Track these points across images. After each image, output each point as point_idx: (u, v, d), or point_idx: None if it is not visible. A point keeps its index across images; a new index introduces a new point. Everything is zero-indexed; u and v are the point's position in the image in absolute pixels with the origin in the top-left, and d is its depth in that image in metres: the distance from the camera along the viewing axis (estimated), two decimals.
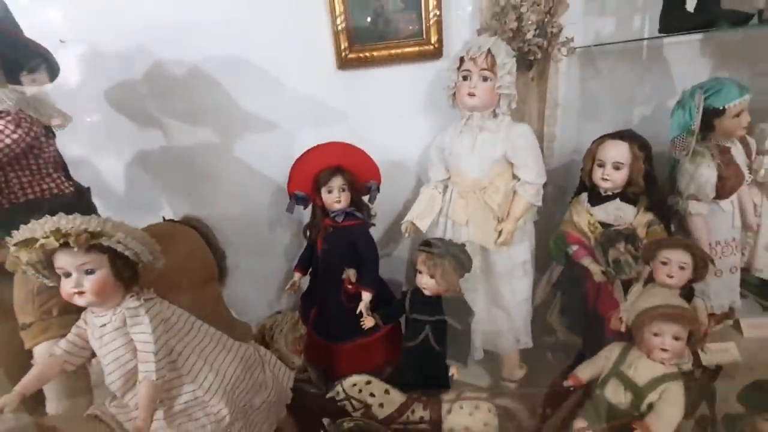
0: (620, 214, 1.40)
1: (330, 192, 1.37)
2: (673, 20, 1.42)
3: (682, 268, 1.09)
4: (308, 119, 1.56)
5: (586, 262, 1.44)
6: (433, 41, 1.47)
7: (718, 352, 1.26)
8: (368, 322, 1.30)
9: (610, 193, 1.41)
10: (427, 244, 1.22)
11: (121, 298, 0.90)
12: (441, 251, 1.18)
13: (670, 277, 1.10)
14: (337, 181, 1.36)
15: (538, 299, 1.60)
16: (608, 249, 1.39)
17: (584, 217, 1.44)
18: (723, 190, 1.47)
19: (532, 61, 1.46)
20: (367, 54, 1.47)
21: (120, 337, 0.89)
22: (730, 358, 1.24)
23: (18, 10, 1.21)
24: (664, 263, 1.12)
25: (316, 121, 1.56)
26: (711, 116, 1.40)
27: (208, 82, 1.48)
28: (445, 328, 1.21)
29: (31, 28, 1.31)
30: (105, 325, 0.89)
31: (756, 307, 1.71)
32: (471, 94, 1.32)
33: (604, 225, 1.41)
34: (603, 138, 1.40)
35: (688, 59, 1.64)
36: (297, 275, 1.50)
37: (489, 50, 1.28)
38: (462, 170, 1.39)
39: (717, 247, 1.54)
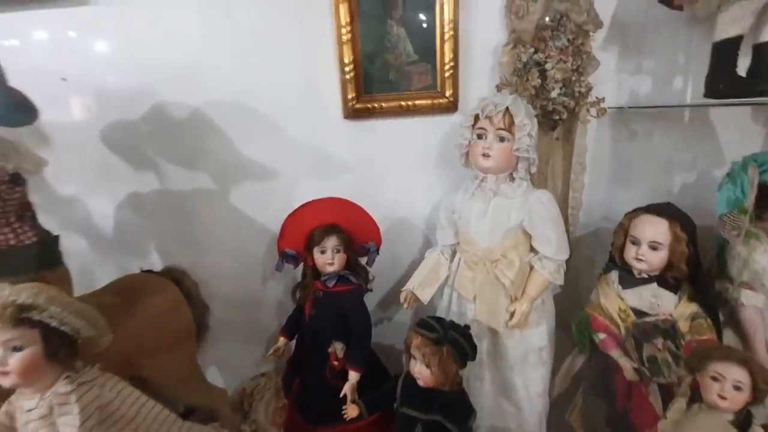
0: (657, 302, 1.19)
1: (323, 252, 1.24)
2: (721, 85, 1.26)
3: (737, 388, 0.87)
4: (310, 170, 1.46)
5: (616, 354, 1.22)
6: (447, 94, 1.36)
7: None
8: (351, 411, 1.11)
9: (645, 275, 1.21)
10: (424, 325, 1.05)
11: (53, 380, 0.77)
12: (439, 336, 1.01)
13: (723, 398, 0.88)
14: (331, 241, 1.23)
15: (556, 392, 1.38)
16: (643, 343, 1.18)
17: (614, 300, 1.24)
18: None
19: (557, 121, 1.32)
20: (376, 105, 1.37)
21: (45, 427, 0.76)
22: None
23: (20, 47, 1.19)
24: (715, 379, 0.90)
25: (319, 172, 1.46)
26: (765, 192, 1.20)
27: (208, 127, 1.42)
28: (440, 429, 1.01)
29: (35, 66, 1.30)
30: (31, 410, 0.77)
31: None
32: (485, 155, 1.18)
33: (638, 313, 1.20)
34: (637, 212, 1.22)
35: (738, 125, 1.46)
36: (282, 340, 1.34)
37: (507, 109, 1.15)
38: (471, 237, 1.24)
39: None
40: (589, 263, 1.52)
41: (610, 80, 1.41)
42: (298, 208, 1.26)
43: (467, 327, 1.09)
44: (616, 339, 1.22)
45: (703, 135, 1.48)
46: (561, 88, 1.27)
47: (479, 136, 1.20)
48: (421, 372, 1.03)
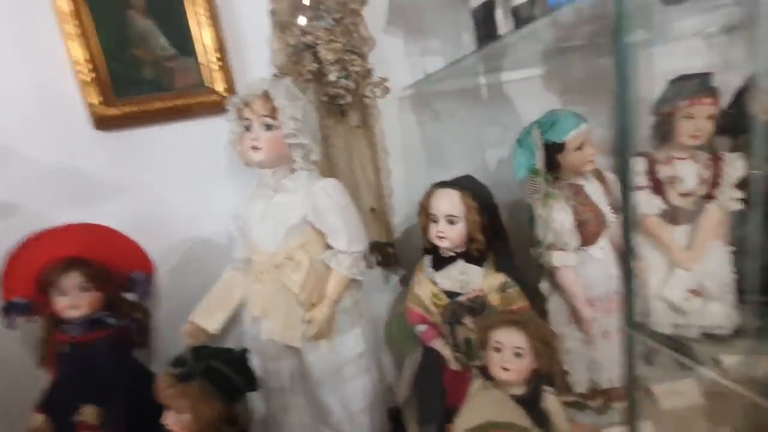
0: (466, 278, 1.10)
1: (64, 295, 0.97)
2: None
3: (518, 354, 0.78)
4: (64, 197, 1.18)
5: (438, 345, 1.11)
6: (220, 90, 1.20)
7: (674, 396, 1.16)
8: None
9: (452, 253, 1.13)
10: (174, 360, 0.83)
11: None
12: (185, 371, 0.79)
13: (505, 369, 0.77)
14: (72, 279, 0.97)
15: (403, 397, 1.22)
16: (456, 326, 1.07)
17: (426, 286, 1.13)
18: (587, 235, 1.24)
19: (343, 106, 1.22)
20: (135, 109, 1.16)
21: None
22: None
23: None
24: (497, 350, 0.80)
25: (77, 199, 1.18)
26: (553, 152, 1.20)
27: None
28: None
29: None
30: None
31: (671, 368, 1.42)
32: (255, 148, 1.03)
33: (452, 294, 1.10)
34: (432, 188, 1.14)
35: (534, 96, 1.50)
36: (38, 417, 1.02)
37: (266, 93, 1.01)
38: (256, 244, 1.06)
39: (598, 302, 1.27)
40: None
41: (402, 63, 1.37)
42: (19, 245, 0.98)
43: (243, 351, 0.89)
44: (437, 328, 1.11)
45: (506, 110, 1.50)
46: (339, 71, 1.18)
47: (247, 128, 1.05)
48: (176, 424, 0.80)
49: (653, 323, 1.36)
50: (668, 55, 1.48)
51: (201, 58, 1.17)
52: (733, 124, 1.47)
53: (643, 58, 1.59)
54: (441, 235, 1.09)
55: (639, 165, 1.34)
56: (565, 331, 1.29)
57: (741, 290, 1.42)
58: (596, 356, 1.21)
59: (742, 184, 1.32)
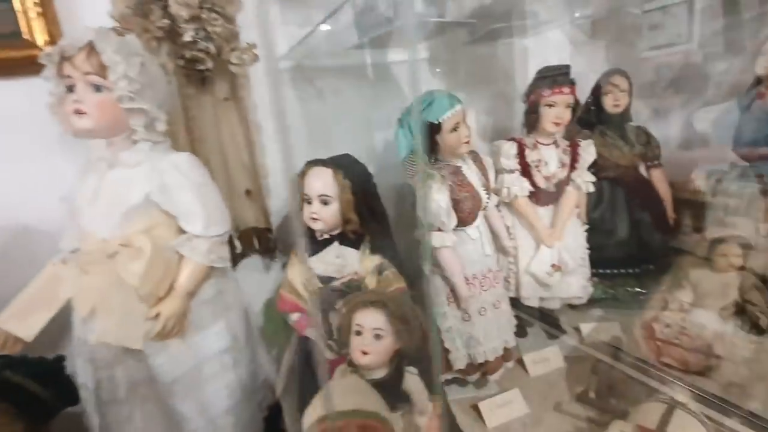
0: (342, 262, 1.05)
1: None
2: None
3: (378, 336, 0.74)
4: None
5: (312, 334, 1.04)
6: (40, 43, 0.98)
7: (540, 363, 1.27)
8: None
9: (327, 236, 1.06)
10: None
11: None
12: None
13: (364, 353, 0.73)
14: None
15: (281, 389, 1.14)
16: (329, 312, 1.02)
17: (299, 272, 1.06)
18: (464, 215, 1.27)
19: (204, 72, 1.08)
20: None
21: None
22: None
23: None
24: (358, 332, 0.76)
25: None
26: (432, 133, 1.20)
27: None
28: None
29: None
30: None
31: (541, 339, 1.54)
32: (78, 112, 0.84)
33: (326, 280, 1.04)
34: (306, 166, 1.07)
35: (422, 78, 1.51)
36: None
37: (91, 45, 0.83)
38: (85, 230, 0.88)
39: (475, 280, 1.31)
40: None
41: (280, 33, 1.26)
42: None
43: (57, 360, 0.72)
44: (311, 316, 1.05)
45: (393, 90, 1.48)
46: (196, 31, 1.03)
47: (69, 89, 0.86)
48: None
49: (524, 297, 1.46)
50: (541, 53, 1.60)
51: (16, 3, 0.94)
52: (591, 116, 1.65)
53: (520, 55, 1.69)
54: (314, 216, 1.02)
55: (511, 150, 1.42)
56: (446, 311, 1.33)
57: (593, 264, 1.61)
58: (473, 332, 1.25)
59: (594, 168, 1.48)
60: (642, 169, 1.64)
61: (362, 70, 1.41)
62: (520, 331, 1.44)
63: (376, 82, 1.43)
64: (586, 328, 1.47)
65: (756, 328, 1.14)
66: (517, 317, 1.35)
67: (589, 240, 1.52)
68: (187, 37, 1.02)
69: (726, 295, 1.22)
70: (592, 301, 1.53)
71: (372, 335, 0.73)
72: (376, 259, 1.05)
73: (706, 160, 1.68)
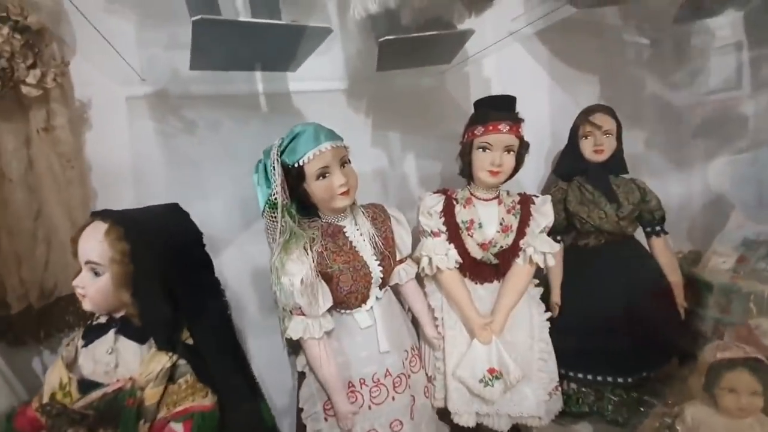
0: (113, 360, 0.72)
1: None
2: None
3: None
4: None
5: None
6: None
7: None
8: None
9: (102, 319, 0.74)
10: None
11: None
12: None
13: None
14: None
15: None
16: None
17: (57, 372, 0.73)
18: (342, 295, 0.90)
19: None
20: None
21: None
22: None
23: None
24: None
25: None
26: (296, 180, 0.88)
27: None
28: None
29: None
30: None
31: None
32: None
33: (90, 386, 0.71)
34: (88, 220, 0.77)
35: (337, 114, 1.20)
36: None
37: None
38: None
39: (363, 388, 0.92)
40: None
41: (134, 55, 1.01)
42: None
43: None
44: None
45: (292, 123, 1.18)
46: None
47: None
48: None
49: (454, 412, 1.02)
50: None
51: None
52: (568, 166, 1.26)
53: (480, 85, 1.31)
54: (80, 291, 0.71)
55: (434, 205, 1.05)
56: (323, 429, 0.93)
57: (570, 365, 1.15)
58: None
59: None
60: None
61: (252, 99, 1.14)
62: None
63: (271, 115, 1.14)
64: None
65: None
66: None
67: (562, 330, 1.08)
68: None
69: None
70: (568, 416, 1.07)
71: None
72: (164, 360, 0.70)
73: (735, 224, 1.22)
